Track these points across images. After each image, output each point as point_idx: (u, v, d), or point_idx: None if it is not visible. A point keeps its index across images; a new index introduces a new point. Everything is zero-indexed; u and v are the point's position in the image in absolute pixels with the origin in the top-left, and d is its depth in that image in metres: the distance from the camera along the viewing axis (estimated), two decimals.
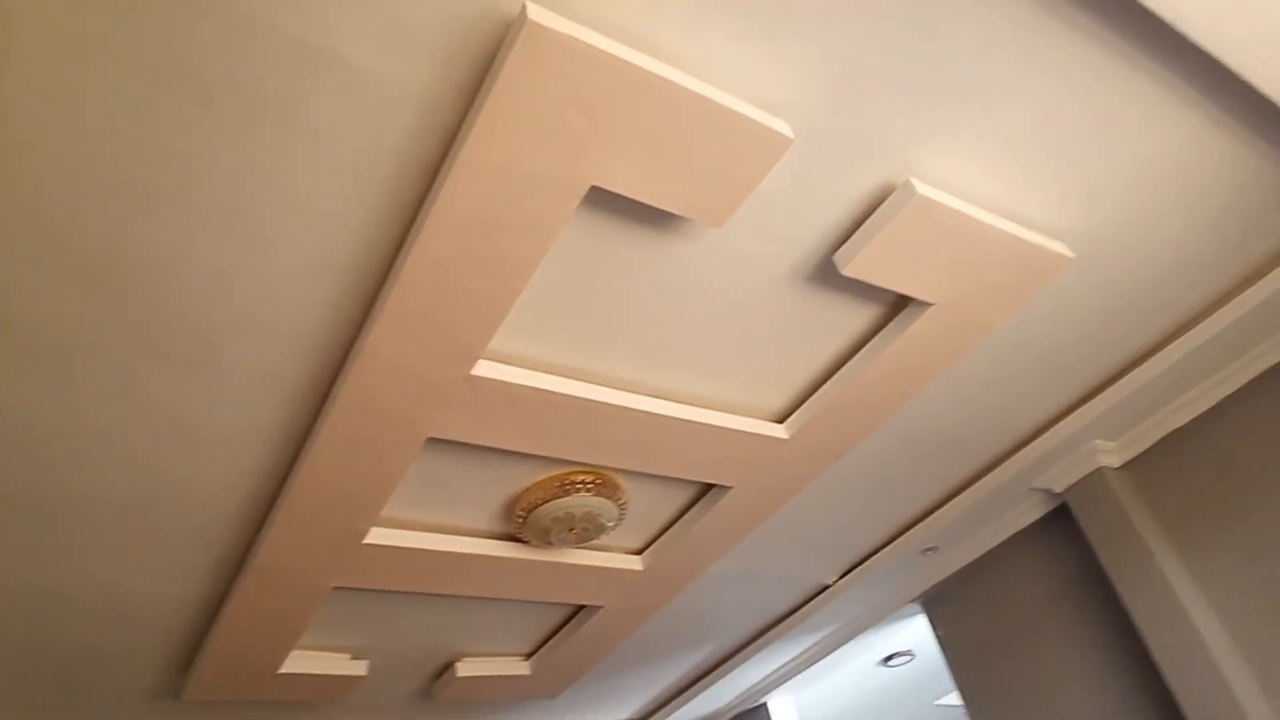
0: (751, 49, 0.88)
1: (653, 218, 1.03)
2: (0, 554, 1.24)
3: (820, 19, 0.87)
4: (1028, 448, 1.63)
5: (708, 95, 0.87)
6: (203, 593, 1.44)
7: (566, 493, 1.41)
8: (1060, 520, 1.78)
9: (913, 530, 1.83)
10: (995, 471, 1.69)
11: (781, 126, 0.92)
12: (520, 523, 1.45)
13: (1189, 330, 1.42)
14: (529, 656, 1.97)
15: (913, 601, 2.09)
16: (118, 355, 1.01)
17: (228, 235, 0.92)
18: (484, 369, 1.13)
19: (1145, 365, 1.46)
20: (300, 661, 1.66)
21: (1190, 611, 1.49)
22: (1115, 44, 0.96)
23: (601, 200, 0.98)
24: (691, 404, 1.32)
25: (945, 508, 1.78)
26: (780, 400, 1.39)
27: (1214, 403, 1.55)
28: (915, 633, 2.37)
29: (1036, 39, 0.93)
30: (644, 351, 1.22)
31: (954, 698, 2.05)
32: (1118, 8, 0.91)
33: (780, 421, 1.42)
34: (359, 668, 1.73)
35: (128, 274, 0.93)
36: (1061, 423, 1.58)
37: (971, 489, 1.73)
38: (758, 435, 1.38)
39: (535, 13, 0.78)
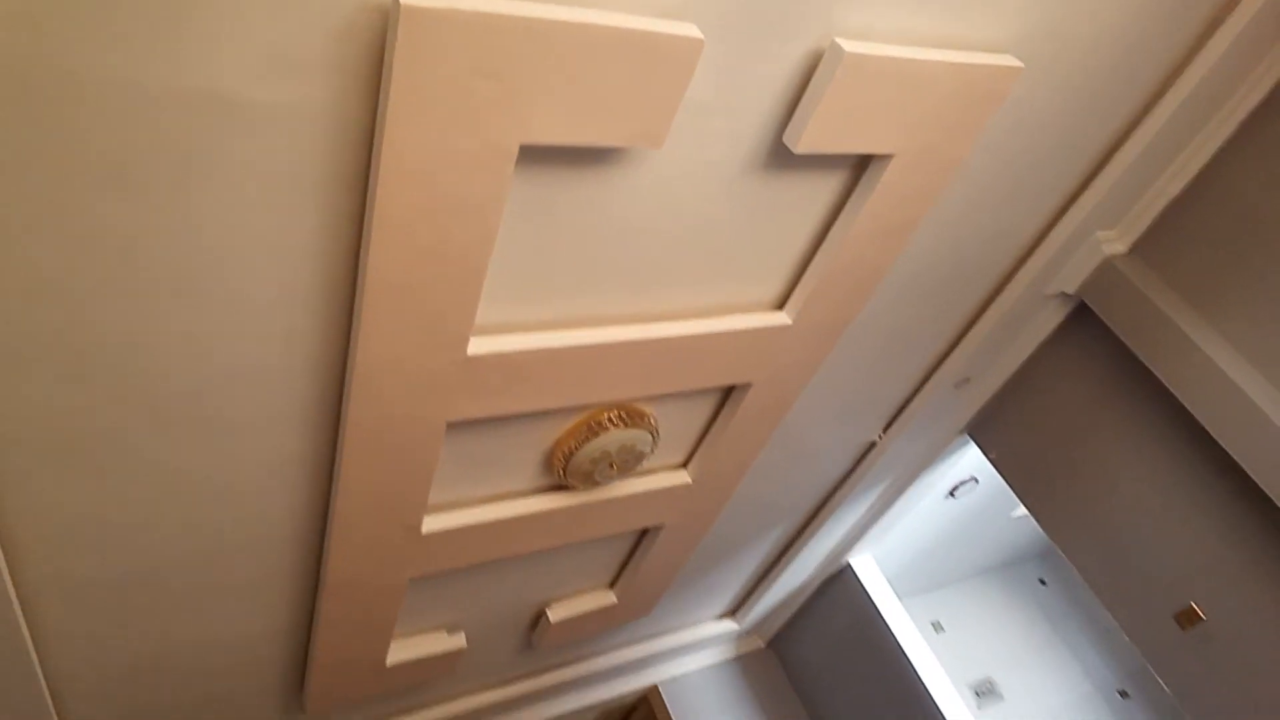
0: None
1: (595, 157, 1.01)
2: (90, 640, 1.31)
3: None
4: (1031, 258, 1.62)
5: (606, 23, 0.85)
6: (290, 620, 1.51)
7: (597, 433, 1.43)
8: (1083, 321, 1.77)
9: (941, 369, 1.84)
10: (1006, 289, 1.68)
11: (689, 29, 0.89)
12: (563, 473, 1.48)
13: (1160, 99, 1.37)
14: (613, 585, 2.04)
15: (960, 434, 2.11)
16: (131, 439, 1.04)
17: (186, 300, 0.92)
18: (478, 346, 1.14)
19: (1125, 146, 1.43)
20: (402, 650, 1.74)
21: (1229, 373, 1.48)
22: None
23: (538, 155, 0.96)
24: (690, 318, 1.32)
25: (967, 337, 1.78)
26: (775, 288, 1.38)
27: (1206, 161, 1.51)
28: (972, 461, 2.40)
29: None
30: (628, 284, 1.22)
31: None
32: None
33: (780, 308, 1.42)
34: (457, 641, 1.81)
35: (107, 359, 0.94)
36: (1057, 225, 1.56)
37: (987, 312, 1.73)
38: (762, 328, 1.38)
39: None
